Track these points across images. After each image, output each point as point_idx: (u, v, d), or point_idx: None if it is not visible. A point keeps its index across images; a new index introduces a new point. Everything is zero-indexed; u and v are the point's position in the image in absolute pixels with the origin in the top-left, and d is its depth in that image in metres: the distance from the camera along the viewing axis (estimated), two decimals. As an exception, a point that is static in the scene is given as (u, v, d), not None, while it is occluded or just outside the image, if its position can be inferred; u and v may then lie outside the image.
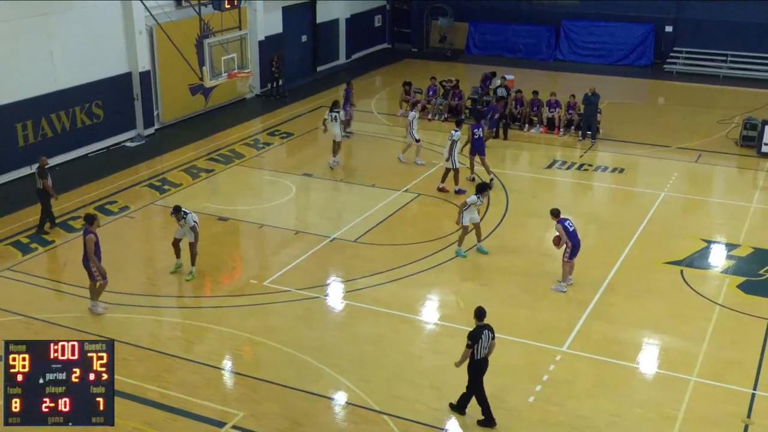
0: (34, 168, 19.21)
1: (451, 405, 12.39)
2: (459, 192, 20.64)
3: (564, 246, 15.87)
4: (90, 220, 14.87)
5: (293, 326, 14.95)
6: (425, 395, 12.60)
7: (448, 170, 20.87)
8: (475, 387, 12.06)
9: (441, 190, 20.85)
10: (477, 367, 11.96)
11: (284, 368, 13.59)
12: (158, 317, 15.41)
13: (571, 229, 15.88)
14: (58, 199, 18.82)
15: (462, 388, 12.24)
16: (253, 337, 14.54)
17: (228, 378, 13.58)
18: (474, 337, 11.81)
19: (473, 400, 12.15)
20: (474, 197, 17.25)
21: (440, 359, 13.72)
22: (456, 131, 20.74)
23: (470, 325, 12.28)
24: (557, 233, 15.91)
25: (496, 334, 12.02)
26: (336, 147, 22.88)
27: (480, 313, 12.00)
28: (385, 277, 16.64)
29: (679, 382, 13.28)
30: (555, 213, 16.13)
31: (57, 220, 18.97)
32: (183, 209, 16.34)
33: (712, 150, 24.49)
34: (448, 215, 19.56)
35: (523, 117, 26.53)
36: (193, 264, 16.60)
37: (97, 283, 14.94)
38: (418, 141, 22.74)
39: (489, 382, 12.91)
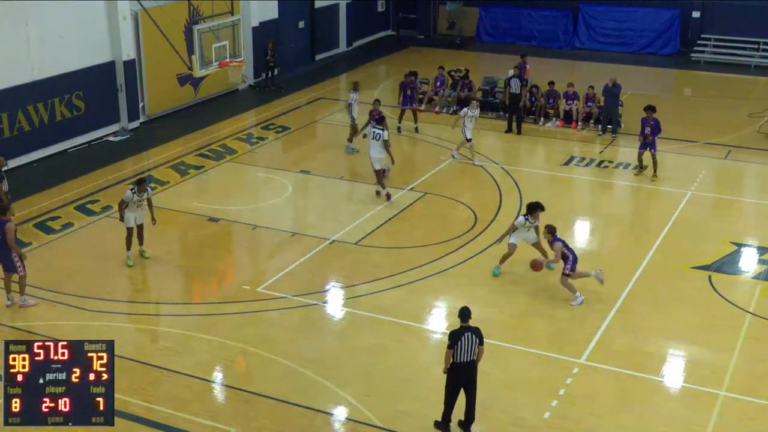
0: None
1: (459, 422, 12.41)
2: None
3: (552, 264, 16.08)
4: (2, 210, 15.56)
5: (289, 336, 14.98)
6: (433, 410, 12.58)
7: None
8: (446, 391, 12.13)
9: None
10: (454, 372, 11.99)
11: (280, 381, 13.61)
12: (143, 325, 15.45)
13: (569, 246, 15.92)
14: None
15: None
16: (247, 347, 14.57)
17: (219, 392, 13.60)
18: (453, 338, 11.85)
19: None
20: (521, 219, 16.64)
21: (448, 372, 13.72)
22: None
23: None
24: (539, 258, 16.15)
25: (506, 344, 12.02)
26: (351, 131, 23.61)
27: (463, 313, 12.01)
28: (389, 283, 16.66)
29: (707, 397, 13.27)
30: (551, 230, 15.73)
31: (35, 221, 19.02)
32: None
33: (743, 146, 24.47)
34: (456, 216, 19.61)
35: (538, 110, 26.54)
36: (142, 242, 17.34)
37: (20, 274, 15.47)
38: (469, 140, 22.64)
39: (500, 396, 12.90)
